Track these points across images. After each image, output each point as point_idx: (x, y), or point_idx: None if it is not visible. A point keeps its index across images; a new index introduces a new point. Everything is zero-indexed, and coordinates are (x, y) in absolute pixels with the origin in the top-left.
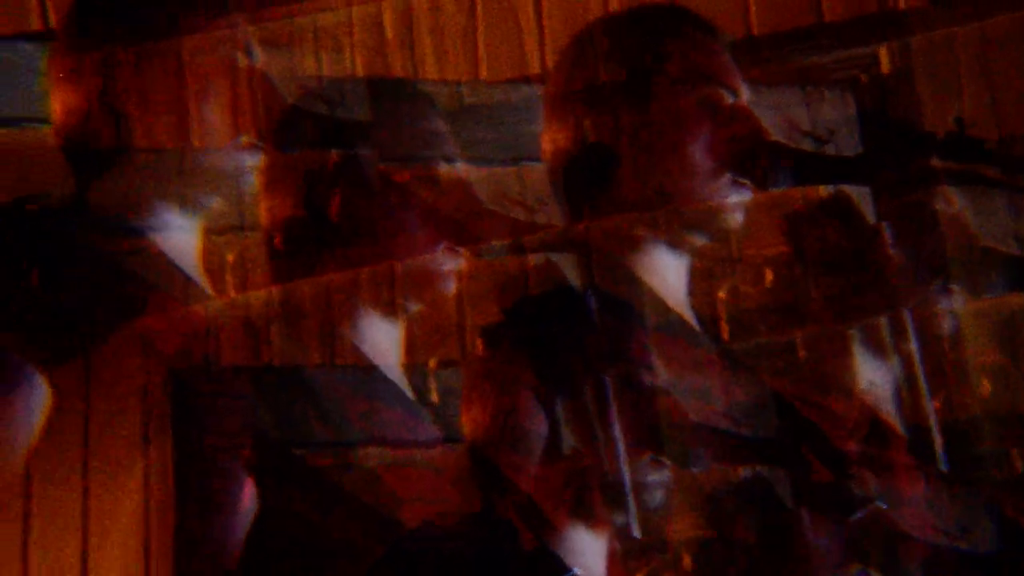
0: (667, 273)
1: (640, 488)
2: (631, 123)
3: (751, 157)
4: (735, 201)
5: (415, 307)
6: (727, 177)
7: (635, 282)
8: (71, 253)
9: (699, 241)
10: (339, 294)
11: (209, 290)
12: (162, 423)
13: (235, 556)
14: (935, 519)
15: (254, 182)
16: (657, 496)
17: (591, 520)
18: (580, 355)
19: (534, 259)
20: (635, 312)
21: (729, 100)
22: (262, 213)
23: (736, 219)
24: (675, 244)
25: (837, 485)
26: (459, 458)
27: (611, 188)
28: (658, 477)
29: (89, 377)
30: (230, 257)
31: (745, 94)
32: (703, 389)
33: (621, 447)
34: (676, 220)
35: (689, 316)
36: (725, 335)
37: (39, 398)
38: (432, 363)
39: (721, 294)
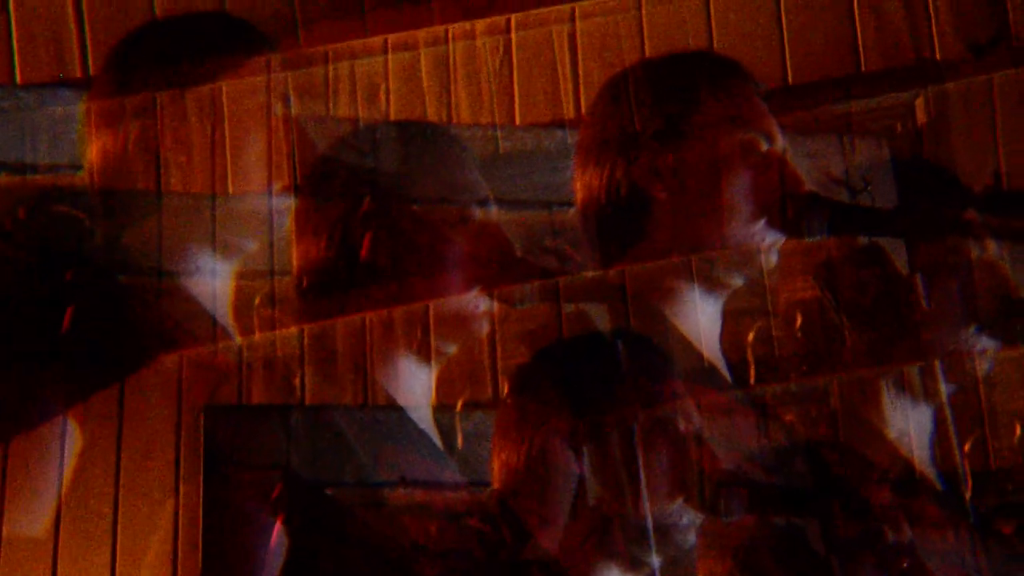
0: (700, 319)
1: (668, 532)
2: (665, 168)
3: (785, 203)
4: (768, 246)
5: (447, 349)
6: (761, 222)
7: (667, 328)
8: (105, 293)
9: (732, 285)
10: (372, 335)
11: (237, 332)
12: (193, 461)
13: None
14: (966, 570)
15: (287, 226)
16: (686, 540)
17: (613, 567)
18: (610, 401)
19: (566, 305)
20: (667, 358)
21: (764, 146)
22: (294, 256)
23: (768, 264)
24: (708, 290)
25: (868, 534)
26: (485, 503)
27: (644, 233)
28: (687, 521)
29: (121, 415)
30: (257, 299)
31: (781, 141)
32: (734, 436)
33: (647, 494)
34: (709, 265)
35: (721, 363)
36: (753, 379)
37: (70, 441)
38: (459, 406)
39: (750, 337)
